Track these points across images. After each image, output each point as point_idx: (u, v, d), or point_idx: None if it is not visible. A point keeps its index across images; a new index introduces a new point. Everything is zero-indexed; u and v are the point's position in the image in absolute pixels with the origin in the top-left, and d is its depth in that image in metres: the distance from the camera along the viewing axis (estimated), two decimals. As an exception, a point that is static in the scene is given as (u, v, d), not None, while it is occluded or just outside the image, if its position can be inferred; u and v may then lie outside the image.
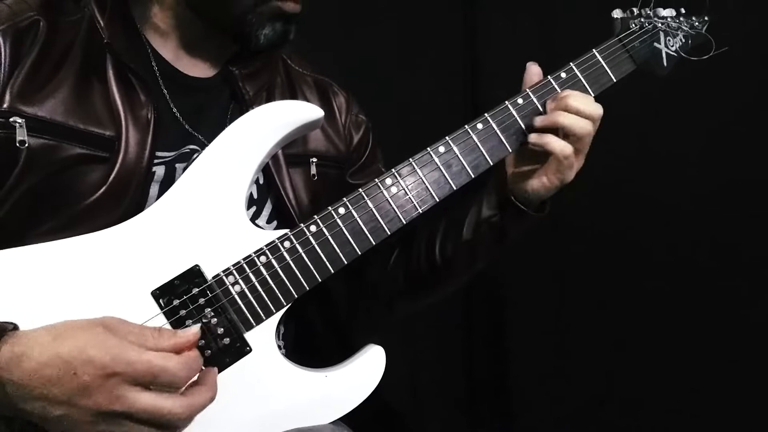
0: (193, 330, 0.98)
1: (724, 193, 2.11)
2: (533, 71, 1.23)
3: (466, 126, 1.18)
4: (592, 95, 1.22)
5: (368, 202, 1.14)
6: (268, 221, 1.27)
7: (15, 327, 0.94)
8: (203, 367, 1.00)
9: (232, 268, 1.08)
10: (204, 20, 1.19)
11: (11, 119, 1.06)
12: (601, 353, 2.24)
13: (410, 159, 1.16)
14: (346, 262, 1.13)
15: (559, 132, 1.17)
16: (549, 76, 1.21)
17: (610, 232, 2.22)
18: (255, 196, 1.25)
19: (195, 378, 0.97)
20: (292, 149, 1.29)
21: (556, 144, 1.17)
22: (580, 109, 1.16)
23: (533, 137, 1.19)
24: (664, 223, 2.18)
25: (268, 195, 1.27)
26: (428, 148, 1.16)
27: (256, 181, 1.25)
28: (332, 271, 1.12)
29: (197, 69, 1.24)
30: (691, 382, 2.17)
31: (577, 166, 1.22)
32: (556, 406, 2.29)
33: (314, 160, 1.33)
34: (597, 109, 1.18)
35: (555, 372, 2.30)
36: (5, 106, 1.06)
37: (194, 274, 1.07)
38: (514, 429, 2.35)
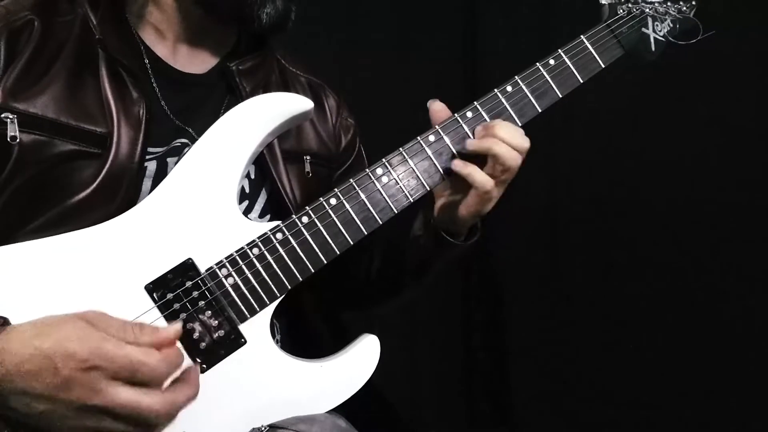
0: (175, 327, 0.95)
1: (722, 194, 2.12)
2: (437, 107, 1.20)
3: (455, 114, 1.18)
4: (520, 124, 1.20)
5: (359, 192, 1.14)
6: (261, 215, 1.27)
7: (5, 322, 0.93)
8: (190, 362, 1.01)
9: (225, 260, 1.08)
10: (205, 7, 1.20)
11: (2, 115, 1.07)
12: (601, 353, 2.24)
13: (400, 148, 1.16)
14: (338, 253, 1.13)
15: (487, 160, 1.15)
16: (538, 63, 1.21)
17: (610, 231, 2.23)
18: (247, 190, 1.26)
19: (177, 374, 0.95)
20: (288, 145, 1.30)
21: (478, 177, 1.14)
22: (510, 141, 1.14)
23: (457, 164, 1.15)
24: (665, 223, 2.18)
25: (261, 189, 1.28)
26: (418, 137, 1.16)
27: (248, 176, 1.25)
28: (325, 262, 1.12)
29: (193, 65, 1.25)
30: (691, 382, 2.17)
31: (497, 198, 1.18)
32: (556, 406, 2.29)
33: (308, 157, 1.34)
34: (525, 142, 1.15)
35: (555, 372, 2.30)
36: None
37: (187, 267, 1.07)
38: (514, 429, 2.34)
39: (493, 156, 1.13)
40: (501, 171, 1.14)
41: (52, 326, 0.90)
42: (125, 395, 0.88)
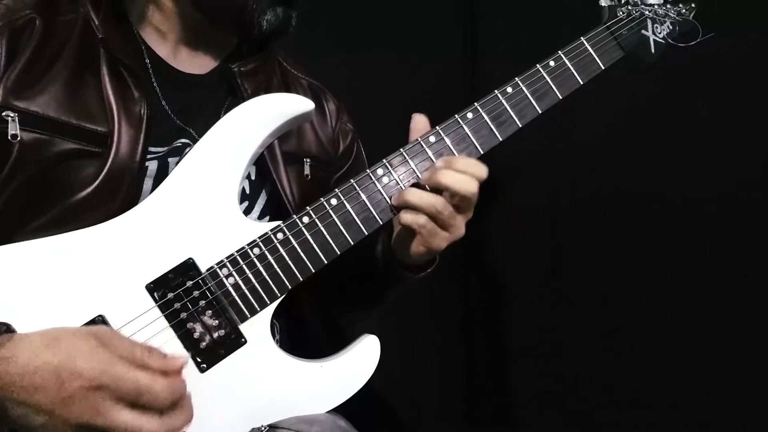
0: (182, 358, 0.98)
1: (722, 194, 2.12)
2: (419, 121, 1.19)
3: (456, 115, 1.18)
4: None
5: (360, 192, 1.14)
6: (260, 216, 1.28)
7: (8, 328, 0.94)
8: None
9: (225, 260, 1.09)
10: (205, 12, 1.20)
11: (3, 113, 1.07)
12: (601, 353, 2.24)
13: (401, 149, 1.16)
14: (339, 253, 1.13)
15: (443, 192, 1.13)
16: (538, 64, 1.21)
17: (610, 231, 2.23)
18: (247, 191, 1.26)
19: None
20: (288, 147, 1.30)
21: (405, 217, 1.13)
22: (463, 169, 1.12)
23: (398, 213, 1.14)
24: (665, 223, 2.18)
25: (261, 190, 1.28)
26: (419, 138, 1.16)
27: (248, 177, 1.25)
28: (325, 262, 1.12)
29: (195, 66, 1.26)
30: (691, 382, 2.17)
31: (453, 235, 1.16)
32: (556, 406, 2.29)
33: (308, 160, 1.34)
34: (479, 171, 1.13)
35: (555, 372, 2.29)
36: None
37: (188, 267, 1.07)
38: (514, 429, 2.34)
39: (445, 188, 1.12)
40: (455, 200, 1.12)
41: (62, 340, 0.90)
42: (126, 418, 0.90)
